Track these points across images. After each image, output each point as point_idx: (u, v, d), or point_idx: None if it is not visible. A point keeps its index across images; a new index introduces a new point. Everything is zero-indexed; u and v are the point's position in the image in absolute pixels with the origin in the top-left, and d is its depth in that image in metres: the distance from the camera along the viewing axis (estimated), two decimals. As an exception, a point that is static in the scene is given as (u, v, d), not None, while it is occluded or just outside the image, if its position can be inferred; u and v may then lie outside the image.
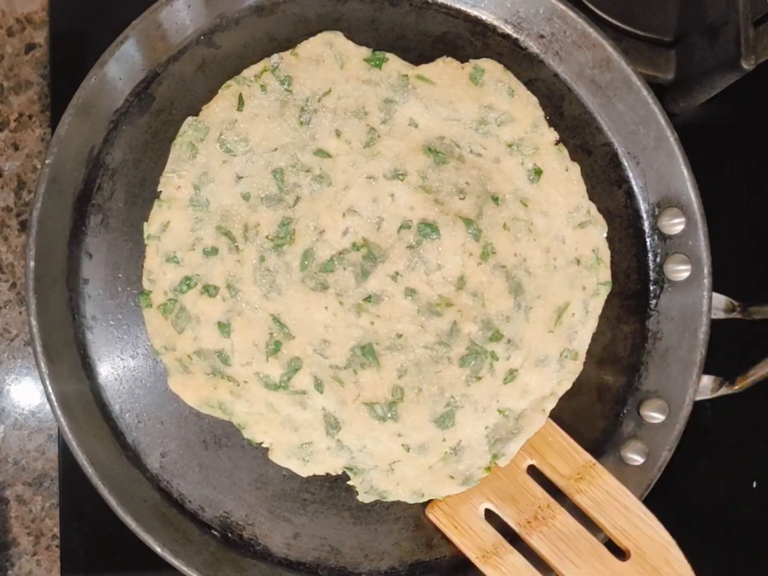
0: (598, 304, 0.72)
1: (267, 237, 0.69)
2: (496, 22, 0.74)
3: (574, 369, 0.72)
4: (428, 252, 0.69)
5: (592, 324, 0.72)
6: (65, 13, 0.83)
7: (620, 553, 0.70)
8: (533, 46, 0.75)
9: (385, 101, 0.71)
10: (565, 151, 0.73)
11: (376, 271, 0.69)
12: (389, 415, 0.69)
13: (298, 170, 0.70)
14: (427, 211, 0.69)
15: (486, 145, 0.72)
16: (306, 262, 0.69)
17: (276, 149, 0.70)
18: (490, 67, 0.73)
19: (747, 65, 0.71)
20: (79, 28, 0.83)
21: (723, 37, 0.74)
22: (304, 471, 0.70)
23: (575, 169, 0.73)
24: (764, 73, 0.76)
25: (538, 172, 0.72)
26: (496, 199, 0.71)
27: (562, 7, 0.72)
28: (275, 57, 0.72)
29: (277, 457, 0.70)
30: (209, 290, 0.70)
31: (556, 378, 0.71)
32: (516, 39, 0.75)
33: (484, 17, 0.74)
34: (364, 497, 0.70)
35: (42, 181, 0.68)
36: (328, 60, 0.71)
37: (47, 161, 0.68)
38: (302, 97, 0.71)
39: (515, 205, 0.71)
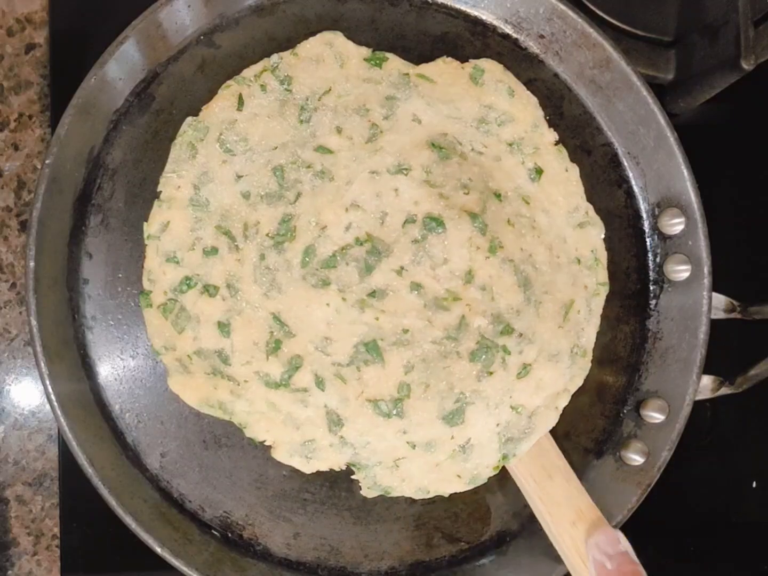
0: (598, 304, 0.72)
1: (267, 235, 0.69)
2: (496, 22, 0.74)
3: (584, 365, 0.72)
4: (434, 246, 0.68)
5: (595, 322, 0.72)
6: (65, 13, 0.83)
7: None
8: (533, 46, 0.75)
9: (386, 98, 0.71)
10: (565, 152, 0.73)
11: (381, 266, 0.68)
12: (394, 412, 0.68)
13: (299, 167, 0.69)
14: (432, 205, 0.68)
15: (487, 143, 0.72)
16: (307, 259, 0.68)
17: (276, 147, 0.70)
18: (490, 67, 0.73)
19: (747, 65, 0.71)
20: (79, 28, 0.83)
21: (723, 37, 0.74)
22: (308, 468, 0.70)
23: (574, 170, 0.73)
24: (764, 73, 0.75)
25: (539, 171, 0.72)
26: (498, 196, 0.70)
27: (562, 7, 0.71)
28: (275, 57, 0.71)
29: (280, 455, 0.70)
30: (209, 290, 0.69)
31: (568, 374, 0.71)
32: (516, 39, 0.75)
33: (484, 17, 0.74)
34: (367, 492, 0.70)
35: (42, 181, 0.68)
36: (328, 60, 0.71)
37: (47, 161, 0.68)
38: (302, 96, 0.71)
39: (517, 202, 0.71)
